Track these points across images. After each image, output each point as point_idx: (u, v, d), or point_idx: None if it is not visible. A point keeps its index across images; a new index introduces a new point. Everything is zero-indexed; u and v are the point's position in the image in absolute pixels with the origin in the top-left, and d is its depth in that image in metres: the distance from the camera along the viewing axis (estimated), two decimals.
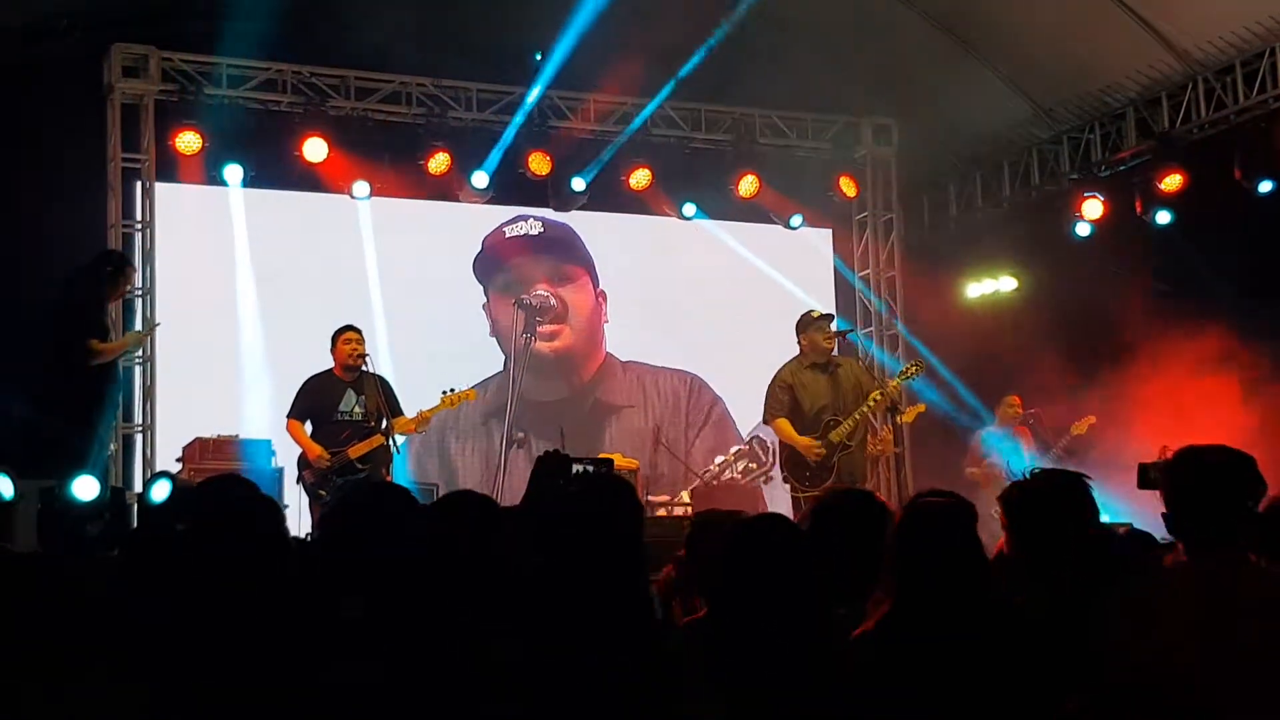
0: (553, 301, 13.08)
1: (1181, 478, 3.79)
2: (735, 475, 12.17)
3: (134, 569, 4.92)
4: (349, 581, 3.82)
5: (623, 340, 13.61)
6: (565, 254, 13.43)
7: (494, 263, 13.25)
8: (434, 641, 3.47)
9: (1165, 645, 3.54)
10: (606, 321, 13.55)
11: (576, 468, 5.50)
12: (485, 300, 13.21)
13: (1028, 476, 4.30)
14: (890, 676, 3.68)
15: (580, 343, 13.40)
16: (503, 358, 12.98)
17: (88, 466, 7.98)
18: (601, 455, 9.78)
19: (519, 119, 12.46)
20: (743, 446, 12.43)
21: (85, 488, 7.30)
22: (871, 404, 10.10)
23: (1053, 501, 4.16)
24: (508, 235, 13.33)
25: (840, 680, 3.67)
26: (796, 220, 13.53)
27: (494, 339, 13.12)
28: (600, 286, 13.52)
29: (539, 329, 12.78)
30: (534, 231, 13.36)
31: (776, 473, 12.03)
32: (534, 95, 12.40)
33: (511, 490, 12.05)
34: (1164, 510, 3.80)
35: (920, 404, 11.25)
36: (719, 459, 12.53)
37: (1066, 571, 3.98)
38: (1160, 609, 3.63)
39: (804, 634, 3.72)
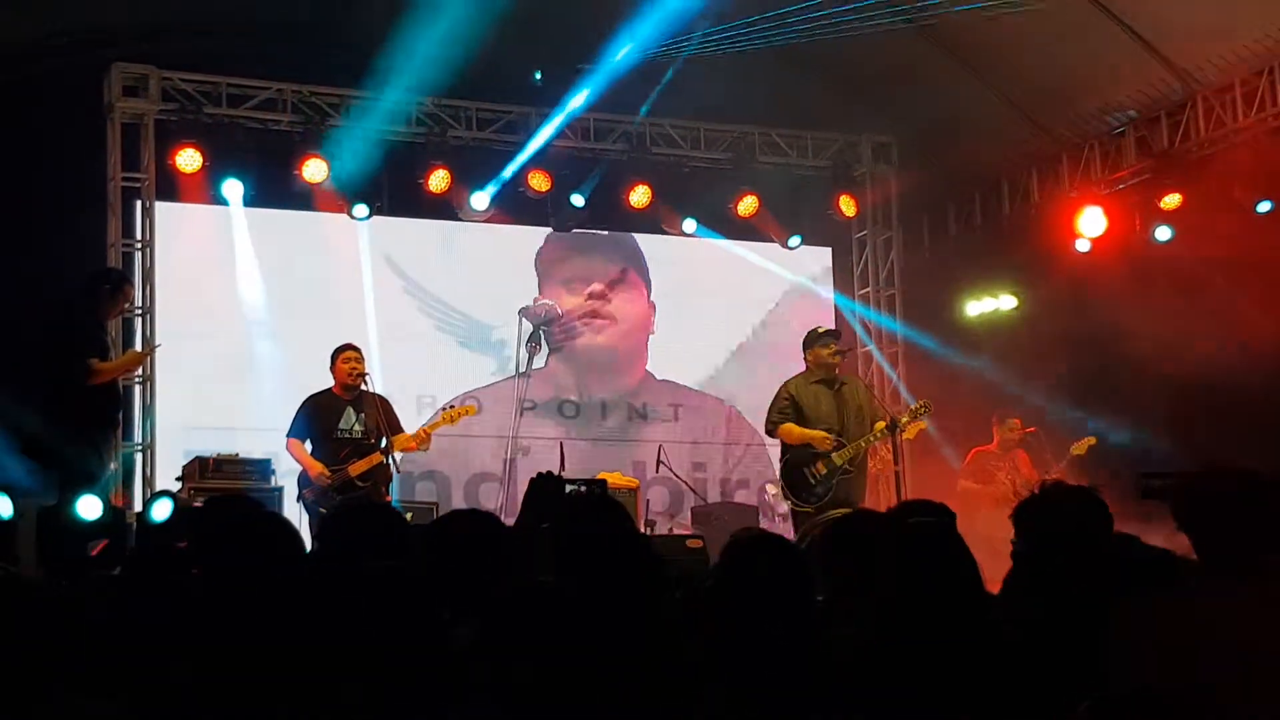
0: (559, 310, 13.18)
1: (1205, 498, 3.75)
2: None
3: (134, 587, 4.91)
4: (346, 598, 3.82)
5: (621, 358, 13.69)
6: (627, 258, 13.70)
7: (560, 256, 13.43)
8: (433, 656, 3.46)
9: (1178, 661, 3.52)
10: (653, 333, 13.67)
11: (570, 488, 5.51)
12: (538, 294, 13.29)
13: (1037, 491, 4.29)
14: (881, 693, 3.67)
15: (626, 346, 13.58)
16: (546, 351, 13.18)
17: (93, 486, 7.97)
18: (599, 475, 9.79)
19: (539, 140, 12.50)
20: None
21: (89, 507, 7.28)
22: (876, 436, 10.11)
23: (1067, 514, 4.14)
24: (578, 231, 13.41)
25: (834, 695, 3.67)
26: (794, 241, 13.55)
27: (510, 353, 13.16)
28: (652, 298, 13.69)
29: (553, 337, 12.92)
30: (602, 232, 13.53)
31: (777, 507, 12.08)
32: (561, 119, 12.44)
33: (507, 508, 12.09)
34: (1183, 529, 3.77)
35: (920, 421, 11.23)
36: (771, 489, 12.60)
37: (1081, 584, 3.95)
38: (1177, 624, 3.60)
39: (797, 648, 3.71)
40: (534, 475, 5.32)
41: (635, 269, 13.73)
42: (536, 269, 13.36)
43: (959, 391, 12.62)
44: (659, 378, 13.69)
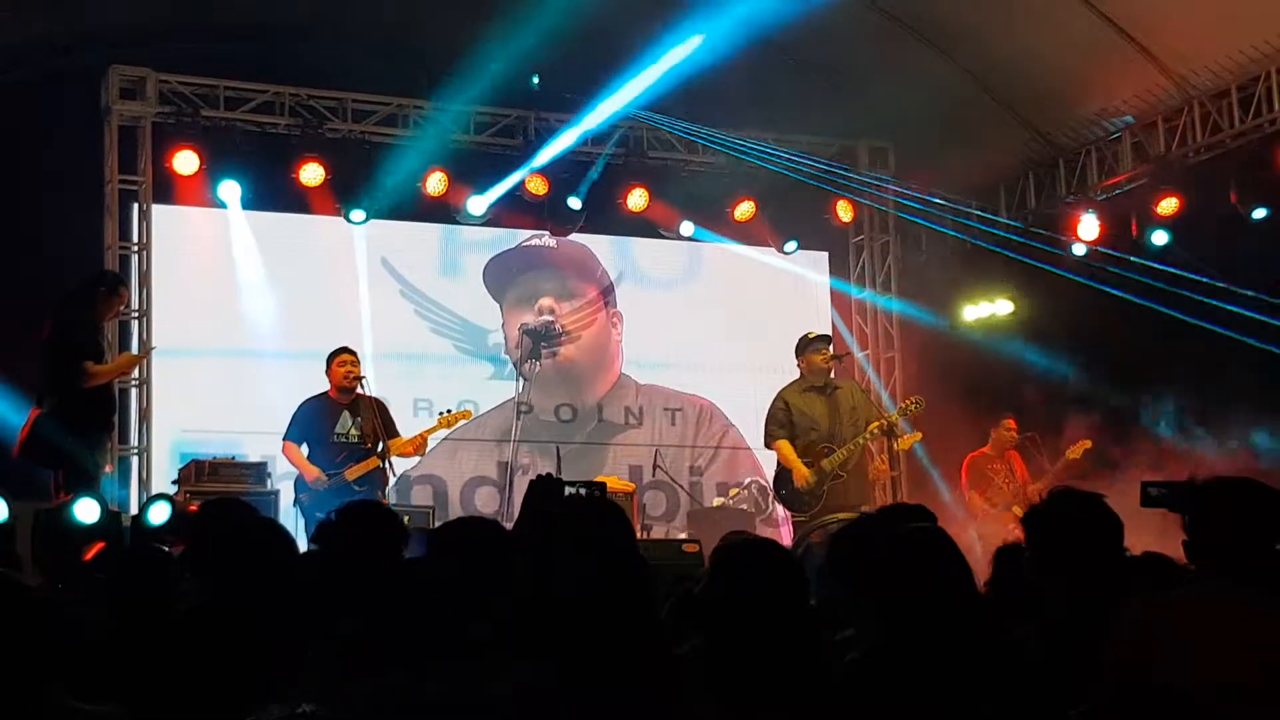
0: (558, 327, 13.14)
1: (1209, 507, 3.77)
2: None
3: (125, 591, 4.91)
4: (346, 600, 3.82)
5: (632, 361, 13.66)
6: (577, 271, 13.52)
7: (506, 276, 13.31)
8: (434, 663, 3.46)
9: (1174, 668, 3.53)
10: (620, 340, 13.58)
11: (569, 491, 5.51)
12: (501, 317, 13.24)
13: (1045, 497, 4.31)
14: (881, 704, 3.66)
15: (586, 360, 13.44)
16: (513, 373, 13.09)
17: (90, 489, 7.95)
18: (598, 479, 9.78)
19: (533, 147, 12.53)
20: (742, 489, 12.50)
21: (87, 510, 7.26)
22: (869, 435, 10.13)
23: (1080, 521, 4.15)
24: (521, 248, 13.38)
25: (832, 706, 3.66)
26: (790, 246, 13.54)
27: (507, 357, 13.16)
28: (615, 307, 13.58)
29: (544, 354, 12.85)
30: (549, 245, 13.40)
31: (774, 512, 12.07)
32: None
33: (504, 512, 12.08)
34: (1185, 539, 3.78)
35: (918, 432, 11.23)
36: (718, 500, 12.60)
37: (1093, 591, 3.96)
38: (1173, 631, 3.61)
39: (793, 657, 3.71)
40: (534, 477, 5.33)
41: (586, 281, 13.60)
42: (488, 290, 13.29)
43: (956, 392, 12.62)
44: (642, 382, 13.63)
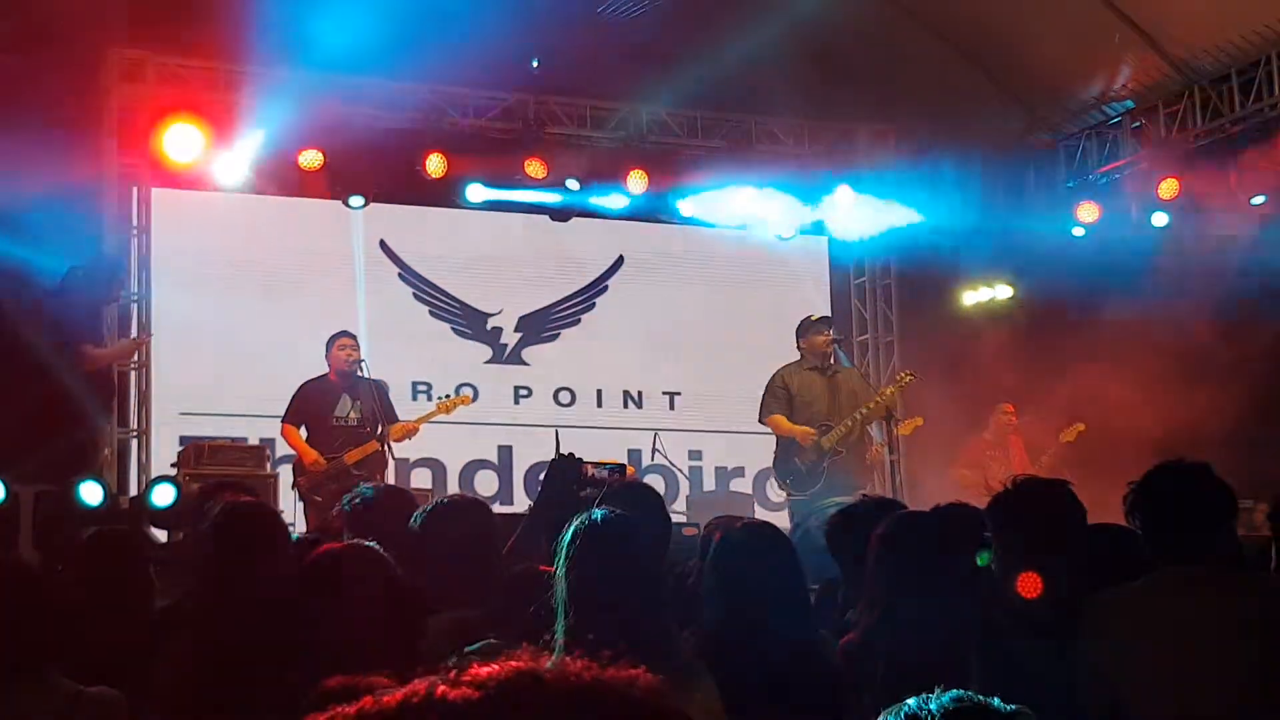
0: (553, 313, 13.16)
1: (1155, 493, 3.80)
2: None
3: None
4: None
5: (617, 345, 13.62)
6: (565, 258, 13.48)
7: (500, 264, 13.28)
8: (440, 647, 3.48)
9: (1135, 655, 3.57)
10: (605, 324, 13.53)
11: (590, 471, 5.54)
12: (498, 303, 13.22)
13: (1009, 486, 4.31)
14: (872, 687, 3.69)
15: (581, 344, 13.41)
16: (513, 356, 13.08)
17: (90, 472, 7.97)
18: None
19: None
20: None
21: (91, 492, 7.28)
22: (865, 410, 10.12)
23: (1037, 509, 4.16)
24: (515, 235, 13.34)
25: (826, 688, 3.68)
26: (790, 230, 13.52)
27: (506, 341, 13.15)
28: (605, 292, 13.55)
29: (541, 338, 12.89)
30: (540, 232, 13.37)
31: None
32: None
33: (502, 495, 12.12)
34: (1139, 527, 3.82)
35: (919, 418, 11.22)
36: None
37: (1058, 576, 3.98)
38: (1132, 620, 3.65)
39: (791, 639, 3.72)
40: (554, 457, 5.36)
41: (576, 265, 13.58)
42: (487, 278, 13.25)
43: (956, 378, 12.62)
44: (624, 365, 13.50)
